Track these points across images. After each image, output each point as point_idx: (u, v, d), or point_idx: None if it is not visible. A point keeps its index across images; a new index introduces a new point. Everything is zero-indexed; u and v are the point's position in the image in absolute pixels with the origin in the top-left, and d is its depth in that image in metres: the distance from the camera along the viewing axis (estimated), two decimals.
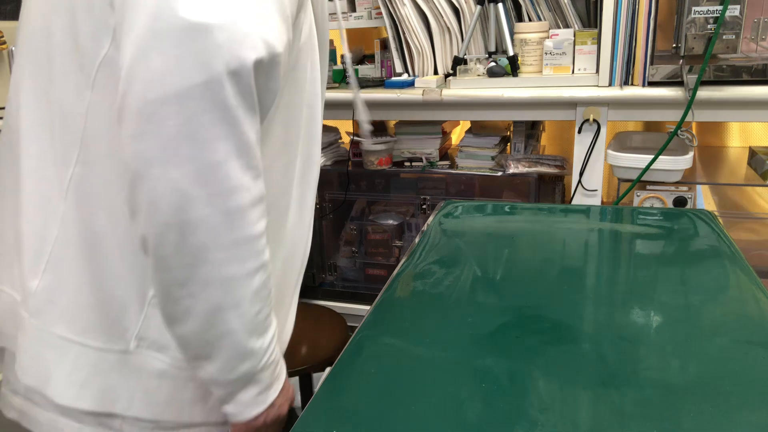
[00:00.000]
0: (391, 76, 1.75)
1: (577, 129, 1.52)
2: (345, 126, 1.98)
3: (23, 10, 0.66)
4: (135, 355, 0.60)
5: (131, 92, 0.49)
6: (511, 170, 1.68)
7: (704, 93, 1.36)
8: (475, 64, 1.60)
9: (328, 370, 0.69)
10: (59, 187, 0.59)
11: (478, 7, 1.56)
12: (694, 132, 1.46)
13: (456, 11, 1.63)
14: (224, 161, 0.51)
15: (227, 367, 0.57)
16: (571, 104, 1.51)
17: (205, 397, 0.63)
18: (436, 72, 1.69)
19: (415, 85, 1.62)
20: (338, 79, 1.83)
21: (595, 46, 1.48)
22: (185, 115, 0.49)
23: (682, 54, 1.35)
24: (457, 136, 2.09)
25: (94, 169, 0.58)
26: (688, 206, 1.47)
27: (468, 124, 1.93)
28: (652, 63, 1.42)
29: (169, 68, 0.49)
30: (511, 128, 1.79)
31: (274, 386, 0.63)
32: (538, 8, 1.58)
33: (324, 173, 1.89)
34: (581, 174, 1.55)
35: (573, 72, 1.52)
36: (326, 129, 1.91)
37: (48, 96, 0.61)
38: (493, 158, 1.75)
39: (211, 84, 0.49)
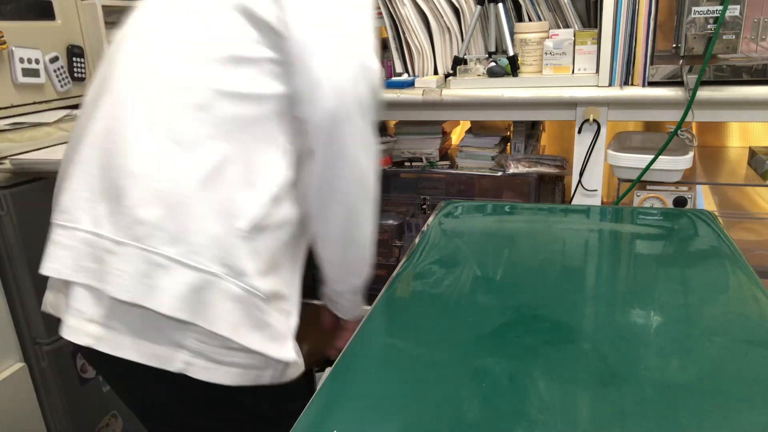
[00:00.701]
0: (391, 76, 1.75)
1: (577, 129, 1.52)
2: None
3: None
4: (221, 279, 0.73)
5: (331, 101, 0.75)
6: (511, 170, 1.68)
7: (704, 93, 1.36)
8: (475, 64, 1.60)
9: (328, 370, 0.69)
10: (171, 140, 0.74)
11: (478, 7, 1.56)
12: (694, 132, 1.46)
13: (456, 11, 1.63)
14: (375, 143, 0.82)
15: (364, 276, 0.92)
16: (571, 104, 1.51)
17: (263, 329, 0.77)
18: (436, 72, 1.69)
19: (415, 85, 1.62)
20: None
21: (595, 46, 1.48)
22: (363, 116, 0.78)
23: (682, 54, 1.35)
24: (457, 136, 2.09)
25: (203, 129, 0.74)
26: (688, 206, 1.47)
27: (468, 124, 1.93)
28: (652, 63, 1.42)
29: (355, 88, 0.77)
30: (511, 128, 1.79)
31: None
32: (538, 8, 1.58)
33: None
34: (581, 174, 1.55)
35: (573, 72, 1.52)
36: None
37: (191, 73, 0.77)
38: (493, 158, 1.75)
39: (372, 97, 0.79)
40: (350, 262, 0.89)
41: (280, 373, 0.82)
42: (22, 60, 1.33)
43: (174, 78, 0.76)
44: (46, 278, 1.23)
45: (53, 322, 1.27)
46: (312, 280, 1.82)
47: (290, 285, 0.84)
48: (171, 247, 0.71)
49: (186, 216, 0.72)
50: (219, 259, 0.73)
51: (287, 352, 0.81)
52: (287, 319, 0.82)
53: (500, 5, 1.55)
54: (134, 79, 0.77)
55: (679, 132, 1.42)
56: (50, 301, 0.85)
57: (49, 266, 0.77)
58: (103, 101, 0.79)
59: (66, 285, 0.79)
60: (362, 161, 0.81)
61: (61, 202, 0.79)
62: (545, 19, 1.58)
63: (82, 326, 0.75)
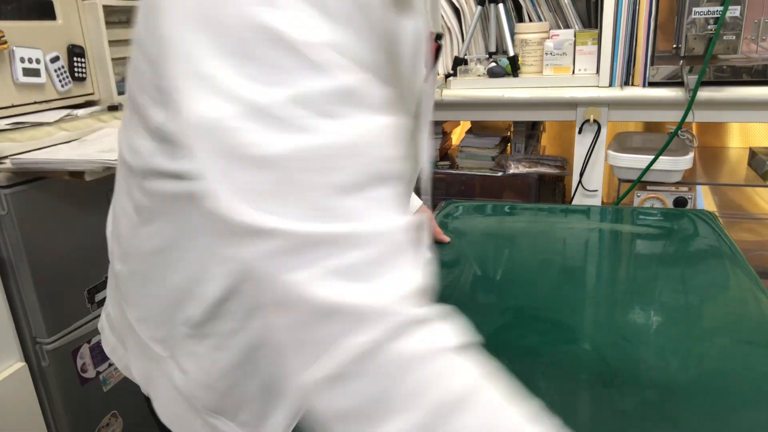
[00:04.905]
0: None
1: (577, 129, 1.52)
2: None
3: None
4: (168, 362, 0.62)
5: None
6: (512, 170, 1.68)
7: (704, 93, 1.36)
8: (476, 64, 1.60)
9: None
10: (127, 202, 0.61)
11: (479, 7, 1.56)
12: (694, 132, 1.47)
13: (456, 11, 1.63)
14: None
15: None
16: (572, 104, 1.51)
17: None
18: None
19: None
20: None
21: (595, 47, 1.48)
22: None
23: (682, 54, 1.35)
24: (457, 136, 2.09)
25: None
26: (689, 207, 1.47)
27: (468, 124, 1.93)
28: (652, 63, 1.42)
29: None
30: (512, 128, 1.79)
31: None
32: (538, 9, 1.58)
33: None
34: (581, 174, 1.55)
35: (573, 72, 1.52)
36: None
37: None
38: (493, 158, 1.75)
39: None
40: None
41: None
42: (22, 60, 1.33)
43: None
44: (46, 278, 1.23)
45: (53, 322, 1.27)
46: None
47: (254, 412, 0.61)
48: (130, 308, 0.65)
49: (143, 283, 0.63)
50: (166, 342, 0.62)
51: None
52: None
53: (501, 6, 1.55)
54: None
55: (679, 132, 1.42)
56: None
57: None
58: None
59: None
60: None
61: None
62: (545, 20, 1.58)
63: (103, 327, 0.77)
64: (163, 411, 0.63)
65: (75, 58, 1.46)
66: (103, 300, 1.38)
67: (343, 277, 0.35)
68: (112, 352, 0.73)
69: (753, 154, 1.64)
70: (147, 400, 0.69)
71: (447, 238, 1.01)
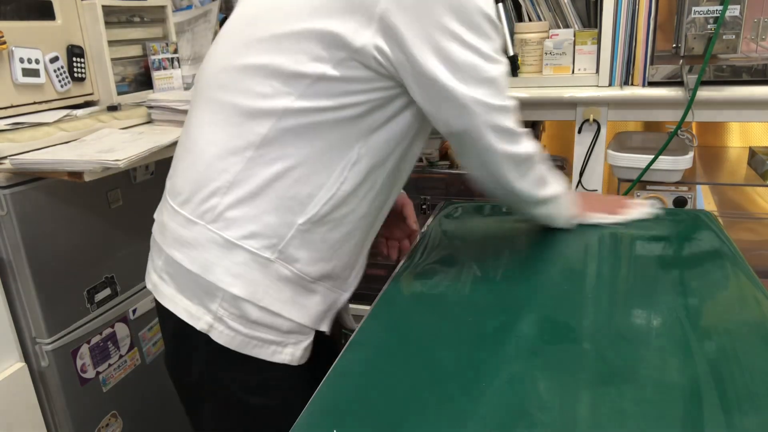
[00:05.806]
0: None
1: (577, 129, 1.52)
2: None
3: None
4: (274, 263, 0.80)
5: None
6: None
7: (704, 93, 1.36)
8: None
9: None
10: (243, 142, 0.79)
11: None
12: (694, 132, 1.46)
13: None
14: None
15: (535, 201, 0.93)
16: (571, 104, 1.51)
17: (306, 305, 0.84)
18: None
19: None
20: None
21: (595, 46, 1.48)
22: None
23: (682, 54, 1.35)
24: None
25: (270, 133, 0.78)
26: (688, 206, 1.47)
27: None
28: (652, 63, 1.42)
29: None
30: None
31: None
32: (538, 8, 1.58)
33: None
34: (581, 174, 1.55)
35: (573, 72, 1.52)
36: None
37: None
38: None
39: None
40: (511, 203, 0.94)
41: (299, 352, 0.84)
42: (22, 60, 1.33)
43: None
44: (45, 278, 1.23)
45: (53, 322, 1.27)
46: None
47: (347, 266, 0.88)
48: (232, 232, 0.79)
49: (249, 210, 0.80)
50: (275, 246, 0.80)
51: (324, 325, 0.88)
52: (333, 295, 0.88)
53: (500, 5, 1.54)
54: None
55: (679, 132, 1.42)
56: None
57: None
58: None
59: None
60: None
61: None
62: (545, 19, 1.58)
63: (151, 274, 0.90)
64: (273, 301, 0.81)
65: (74, 59, 1.46)
66: (103, 300, 1.38)
67: (513, 121, 0.80)
68: (170, 301, 0.84)
69: (753, 153, 1.64)
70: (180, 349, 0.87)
71: (417, 227, 1.11)
